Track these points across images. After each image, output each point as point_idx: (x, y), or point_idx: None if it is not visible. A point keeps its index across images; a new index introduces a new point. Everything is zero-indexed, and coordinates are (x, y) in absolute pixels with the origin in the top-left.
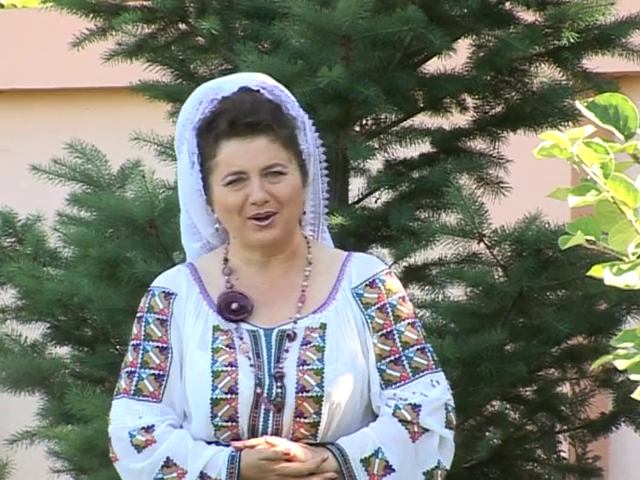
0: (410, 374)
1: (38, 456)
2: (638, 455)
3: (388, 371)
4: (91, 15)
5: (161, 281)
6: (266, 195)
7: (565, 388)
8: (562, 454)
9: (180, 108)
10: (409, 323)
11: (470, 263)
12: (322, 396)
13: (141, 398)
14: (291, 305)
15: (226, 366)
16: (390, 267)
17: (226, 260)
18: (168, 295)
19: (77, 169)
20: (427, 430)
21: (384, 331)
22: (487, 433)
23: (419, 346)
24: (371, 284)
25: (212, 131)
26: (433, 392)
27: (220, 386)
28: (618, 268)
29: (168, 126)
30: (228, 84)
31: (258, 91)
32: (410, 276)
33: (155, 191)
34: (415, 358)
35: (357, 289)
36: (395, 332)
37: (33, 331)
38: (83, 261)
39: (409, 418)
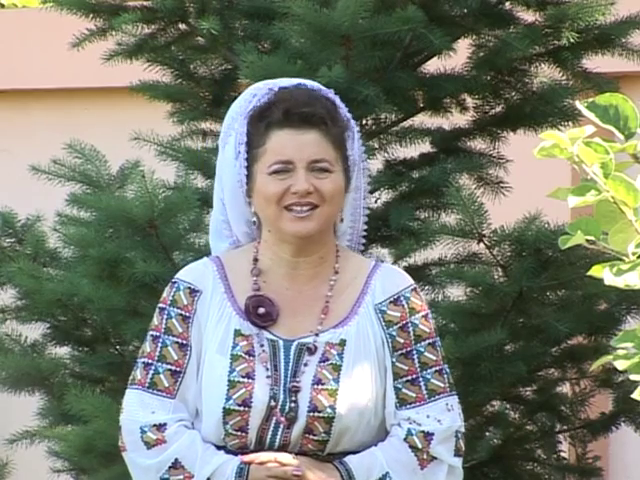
0: (426, 396)
1: (38, 456)
2: (638, 455)
3: (404, 390)
4: (91, 15)
5: (187, 275)
6: (310, 187)
7: (565, 388)
8: (562, 454)
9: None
10: (429, 343)
11: (470, 263)
12: (334, 417)
13: (155, 392)
14: (314, 317)
15: (243, 377)
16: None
17: (256, 260)
18: (193, 292)
19: (77, 169)
20: (436, 458)
21: (404, 350)
22: (487, 433)
23: (437, 368)
24: (395, 301)
25: (264, 119)
26: (446, 419)
27: (234, 397)
28: (618, 268)
29: (168, 126)
30: (284, 81)
31: (315, 89)
32: (410, 276)
33: (155, 191)
34: (432, 380)
35: (380, 305)
36: (415, 352)
37: (33, 331)
38: (83, 261)
39: (420, 446)
